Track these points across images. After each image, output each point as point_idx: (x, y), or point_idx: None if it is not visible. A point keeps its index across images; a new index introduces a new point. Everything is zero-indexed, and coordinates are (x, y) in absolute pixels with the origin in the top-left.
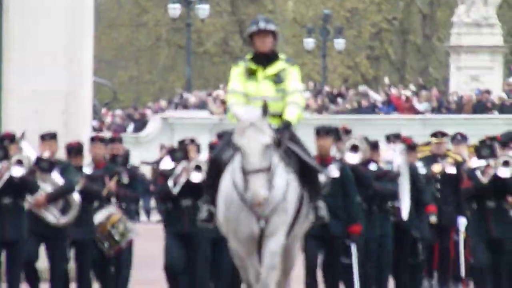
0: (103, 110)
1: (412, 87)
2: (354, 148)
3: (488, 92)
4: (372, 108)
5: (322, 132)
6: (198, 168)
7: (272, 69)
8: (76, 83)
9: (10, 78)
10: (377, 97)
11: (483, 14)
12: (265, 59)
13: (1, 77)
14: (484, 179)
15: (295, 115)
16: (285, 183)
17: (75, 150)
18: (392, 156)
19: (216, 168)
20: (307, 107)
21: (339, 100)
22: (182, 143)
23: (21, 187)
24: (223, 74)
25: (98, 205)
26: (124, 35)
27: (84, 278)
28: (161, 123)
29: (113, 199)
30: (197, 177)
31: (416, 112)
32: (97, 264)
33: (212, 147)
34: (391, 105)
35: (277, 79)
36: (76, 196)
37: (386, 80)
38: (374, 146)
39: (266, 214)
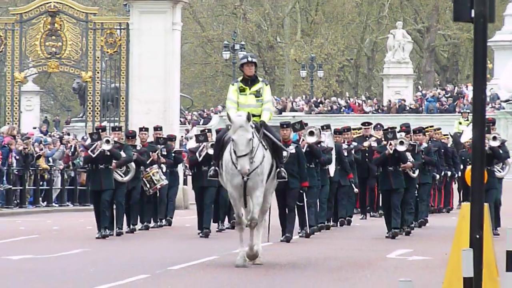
0: (186, 112)
1: (362, 97)
2: (311, 133)
3: (404, 100)
4: (339, 110)
5: (283, 125)
6: (213, 145)
7: (254, 88)
8: (170, 95)
9: (133, 92)
10: (342, 103)
11: (402, 56)
12: (250, 81)
13: (128, 90)
14: (389, 152)
15: (267, 116)
16: (262, 157)
17: (131, 135)
18: (324, 138)
19: (219, 144)
20: (301, 110)
21: (320, 105)
22: (203, 131)
23: (109, 156)
24: None
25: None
26: (197, 69)
27: (136, 208)
28: (219, 119)
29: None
30: (212, 151)
31: (365, 112)
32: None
33: (217, 131)
34: (350, 108)
35: (257, 94)
36: (132, 164)
37: (347, 94)
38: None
39: (248, 174)
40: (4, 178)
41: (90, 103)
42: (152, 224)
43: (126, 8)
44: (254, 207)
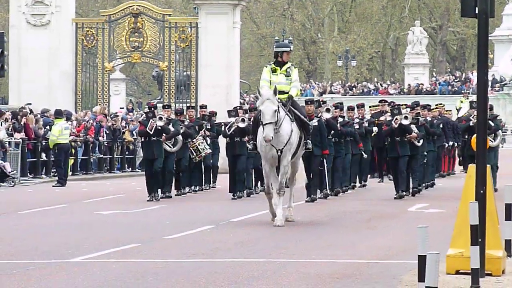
0: (244, 95)
1: (388, 82)
2: (328, 110)
3: (422, 84)
4: (369, 92)
5: (308, 102)
6: (243, 120)
7: (284, 68)
8: (232, 81)
9: (202, 78)
10: (371, 87)
11: (420, 49)
12: (281, 63)
13: (198, 77)
14: (394, 125)
15: (295, 92)
16: (290, 129)
17: (179, 112)
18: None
19: (256, 122)
20: (338, 92)
21: (354, 89)
22: (235, 107)
23: (161, 131)
24: (300, 79)
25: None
26: (254, 60)
27: (184, 174)
28: None
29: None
30: (242, 125)
31: (389, 94)
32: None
33: (251, 109)
34: (377, 91)
35: (287, 73)
36: (180, 137)
37: (375, 79)
38: (340, 109)
39: (280, 147)
40: (97, 149)
41: (166, 88)
42: (198, 188)
43: (196, 10)
44: (281, 176)
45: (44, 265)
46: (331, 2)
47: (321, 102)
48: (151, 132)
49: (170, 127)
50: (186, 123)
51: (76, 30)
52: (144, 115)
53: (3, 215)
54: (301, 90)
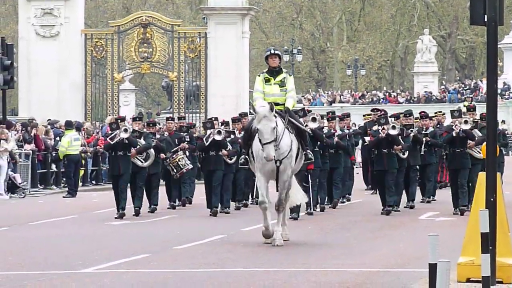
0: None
1: (398, 91)
2: (314, 120)
3: (431, 93)
4: (378, 101)
5: None
6: (219, 132)
7: (279, 78)
8: (241, 91)
9: (211, 88)
10: (380, 95)
11: (429, 57)
12: (275, 72)
13: (207, 87)
14: (382, 135)
15: (291, 103)
16: (290, 141)
17: (151, 124)
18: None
19: (247, 133)
20: (348, 101)
21: (363, 98)
22: (210, 119)
23: (127, 144)
24: (310, 88)
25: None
26: (263, 70)
27: (155, 190)
28: None
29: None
30: (218, 137)
31: (399, 103)
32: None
33: (234, 120)
34: (387, 99)
35: (281, 83)
36: (152, 151)
37: (385, 88)
38: (329, 119)
39: (280, 158)
40: (107, 159)
41: (176, 98)
42: (177, 203)
43: (205, 20)
44: (280, 192)
45: (55, 276)
46: (340, 11)
47: (307, 111)
48: (112, 142)
49: (142, 140)
50: (158, 136)
51: (85, 41)
52: (108, 127)
53: (14, 226)
54: (310, 100)
